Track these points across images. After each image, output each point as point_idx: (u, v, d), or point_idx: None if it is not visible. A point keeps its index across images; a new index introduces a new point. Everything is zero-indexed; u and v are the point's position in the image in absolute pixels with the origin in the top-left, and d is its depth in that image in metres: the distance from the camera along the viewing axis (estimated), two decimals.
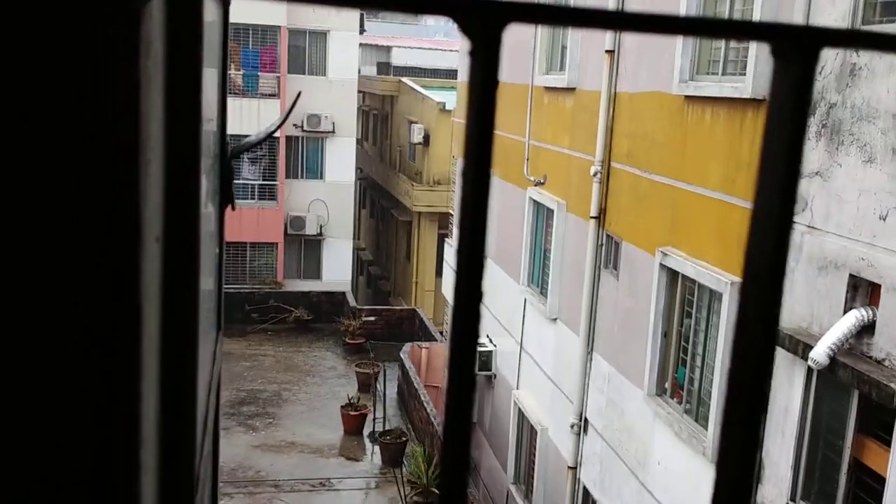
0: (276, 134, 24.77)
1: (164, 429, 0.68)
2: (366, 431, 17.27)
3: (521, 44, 13.21)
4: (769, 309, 0.45)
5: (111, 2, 0.45)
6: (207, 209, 1.17)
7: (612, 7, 9.96)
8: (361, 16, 26.98)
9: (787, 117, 0.43)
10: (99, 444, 0.52)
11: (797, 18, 6.75)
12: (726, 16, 8.03)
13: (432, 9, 0.40)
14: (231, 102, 26.11)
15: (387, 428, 16.75)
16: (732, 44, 8.00)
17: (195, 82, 0.68)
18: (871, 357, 5.95)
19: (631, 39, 9.80)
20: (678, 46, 8.51)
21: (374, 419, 17.05)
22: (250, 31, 24.91)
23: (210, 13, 1.18)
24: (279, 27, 24.90)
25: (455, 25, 0.41)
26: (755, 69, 7.24)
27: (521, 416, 13.04)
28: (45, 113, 0.46)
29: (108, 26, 0.45)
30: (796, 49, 0.43)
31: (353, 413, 17.21)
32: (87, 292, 0.48)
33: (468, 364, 0.43)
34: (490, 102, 0.40)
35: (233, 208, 1.43)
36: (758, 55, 7.22)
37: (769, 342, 0.45)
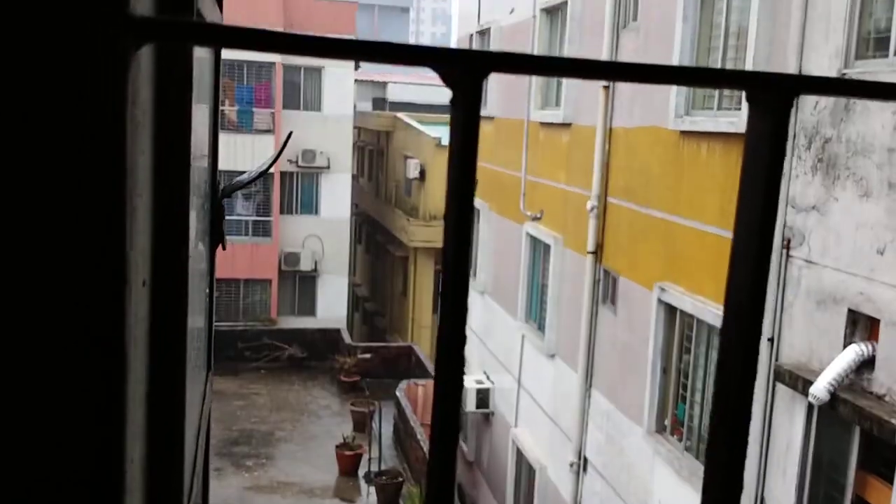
0: (271, 170, 24.83)
1: (150, 471, 0.65)
2: (361, 472, 17.05)
3: (516, 79, 13.31)
4: (750, 345, 0.48)
5: (99, 51, 0.43)
6: (198, 248, 1.13)
7: (607, 51, 10.05)
8: None
9: (764, 163, 0.44)
10: (85, 488, 0.50)
11: (791, 55, 6.79)
12: (720, 53, 8.09)
13: (414, 60, 0.41)
14: (225, 138, 26.35)
15: (382, 468, 16.55)
16: None
17: (184, 128, 0.66)
18: (871, 392, 5.89)
19: None
20: None
21: (369, 459, 16.84)
22: (245, 67, 25.10)
23: (200, 50, 1.15)
24: (274, 63, 25.10)
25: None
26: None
27: (520, 455, 12.89)
28: (34, 159, 0.46)
29: (96, 74, 0.44)
30: (771, 96, 0.44)
31: (347, 453, 17.00)
32: (72, 336, 0.46)
33: (454, 399, 0.45)
34: (471, 149, 0.41)
35: (223, 248, 1.39)
36: None
37: (749, 377, 0.47)
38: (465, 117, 0.41)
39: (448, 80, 0.41)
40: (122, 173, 0.45)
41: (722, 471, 0.46)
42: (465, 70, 0.41)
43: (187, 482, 0.94)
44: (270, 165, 1.89)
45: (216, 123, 1.47)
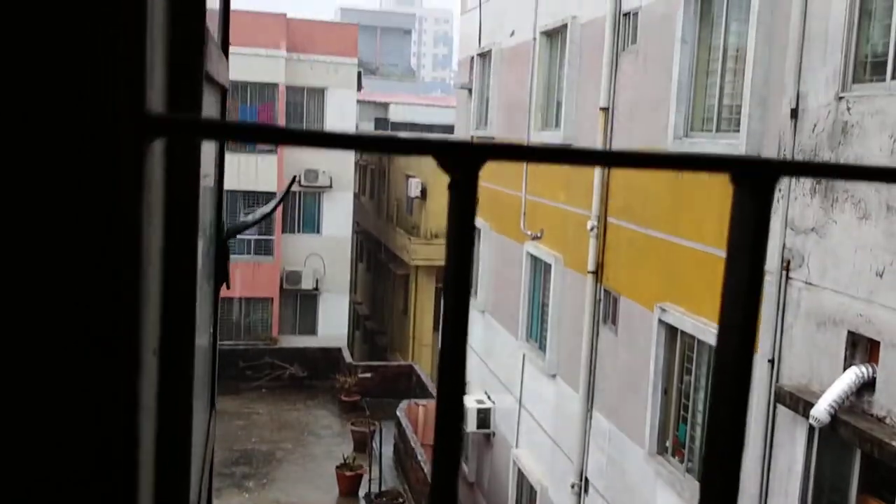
0: (274, 189, 24.90)
1: None
2: (361, 492, 16.97)
3: (517, 100, 13.39)
4: (737, 429, 0.48)
5: (116, 146, 0.46)
6: (203, 290, 1.16)
7: (607, 74, 10.12)
8: (359, 73, 27.38)
9: (749, 241, 0.47)
10: None
11: (788, 78, 6.84)
12: (718, 76, 8.15)
13: (417, 150, 0.44)
14: (229, 158, 26.35)
15: (383, 489, 16.48)
16: (726, 101, 8.11)
17: (192, 202, 0.69)
18: (872, 415, 5.89)
19: (625, 96, 9.94)
20: (672, 103, 8.62)
21: (369, 480, 16.77)
22: (248, 88, 25.23)
23: (208, 104, 1.19)
24: (277, 84, 25.24)
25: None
26: (749, 126, 7.32)
27: (521, 476, 12.85)
28: (58, 246, 0.48)
29: (114, 168, 0.47)
30: (755, 179, 0.46)
31: (348, 473, 16.94)
32: (84, 412, 0.48)
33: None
34: (468, 231, 0.43)
35: (228, 287, 1.41)
36: (751, 112, 7.31)
37: (737, 457, 0.48)
38: (462, 203, 0.44)
39: (447, 168, 0.44)
40: (137, 256, 0.48)
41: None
42: (463, 158, 0.43)
43: None
44: (274, 209, 1.93)
45: (222, 164, 1.51)
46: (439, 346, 0.47)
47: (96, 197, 0.46)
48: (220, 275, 1.40)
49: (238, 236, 25.41)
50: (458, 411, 0.46)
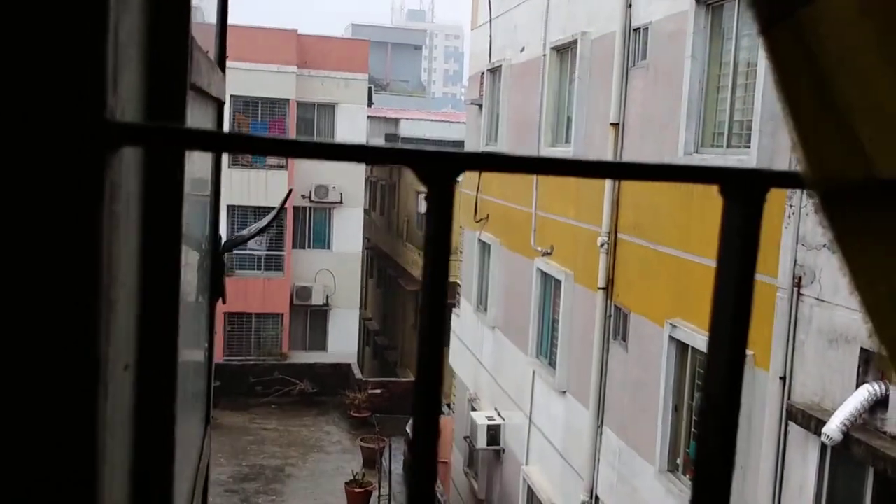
0: (284, 205, 24.95)
1: None
2: None
3: (527, 117, 13.40)
4: (728, 440, 0.48)
5: (74, 155, 0.45)
6: (198, 302, 1.15)
7: (617, 90, 10.12)
8: (369, 89, 27.51)
9: (738, 253, 0.47)
10: None
11: None
12: (729, 91, 8.13)
13: (395, 160, 0.44)
14: (240, 174, 26.38)
15: None
16: (737, 116, 8.09)
17: (175, 211, 0.68)
18: (885, 433, 5.82)
19: (635, 112, 9.93)
20: (682, 118, 8.61)
21: (379, 496, 16.70)
22: (259, 104, 25.38)
23: (203, 117, 1.18)
24: (288, 100, 25.37)
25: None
26: (760, 141, 7.29)
27: (531, 493, 12.76)
28: (11, 256, 0.47)
29: (70, 177, 0.45)
30: (744, 191, 0.46)
31: (357, 490, 16.87)
32: (42, 422, 0.47)
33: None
34: (445, 240, 0.43)
35: (223, 302, 1.40)
36: (762, 128, 7.28)
37: (727, 477, 0.47)
38: (440, 211, 0.43)
39: (423, 178, 0.44)
40: (97, 267, 0.46)
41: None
42: (440, 169, 0.43)
43: None
44: (271, 222, 1.92)
45: (219, 175, 1.50)
46: (416, 357, 0.46)
47: (52, 205, 0.45)
48: (216, 289, 1.39)
49: (248, 252, 25.52)
50: (435, 412, 0.45)
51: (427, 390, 0.45)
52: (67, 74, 0.45)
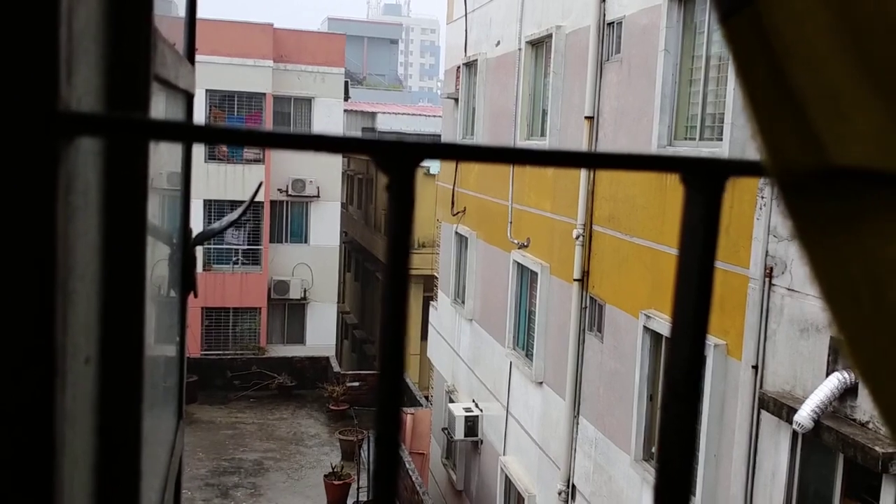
0: (261, 199, 24.87)
1: None
2: (350, 501, 16.91)
3: (503, 110, 13.43)
4: (687, 425, 0.48)
5: (25, 145, 0.45)
6: (169, 297, 1.16)
7: (591, 83, 10.17)
8: (346, 83, 27.40)
9: (699, 240, 0.47)
10: None
11: None
12: (702, 84, 8.21)
13: (354, 150, 0.44)
14: (216, 168, 26.12)
15: (371, 497, 16.41)
16: (709, 109, 8.16)
17: (139, 200, 0.68)
18: (854, 420, 5.93)
19: (610, 106, 9.99)
20: (656, 111, 8.67)
21: (358, 488, 16.72)
22: (235, 98, 25.21)
23: (173, 111, 1.18)
24: (264, 94, 25.22)
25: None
26: (732, 134, 7.37)
27: (509, 483, 12.83)
28: None
29: (21, 167, 0.45)
30: (704, 179, 0.46)
31: (336, 482, 16.87)
32: None
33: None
34: (406, 230, 0.45)
35: (195, 296, 1.41)
36: (734, 121, 7.36)
37: (686, 459, 0.48)
38: (400, 199, 0.45)
39: (383, 167, 0.44)
40: (51, 258, 0.46)
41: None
42: (399, 158, 0.44)
43: None
44: (241, 215, 1.92)
45: (189, 168, 1.51)
46: (377, 348, 0.47)
47: (4, 194, 0.46)
48: (187, 283, 1.40)
49: (226, 246, 25.36)
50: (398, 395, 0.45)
51: (391, 386, 0.45)
52: (17, 65, 0.45)
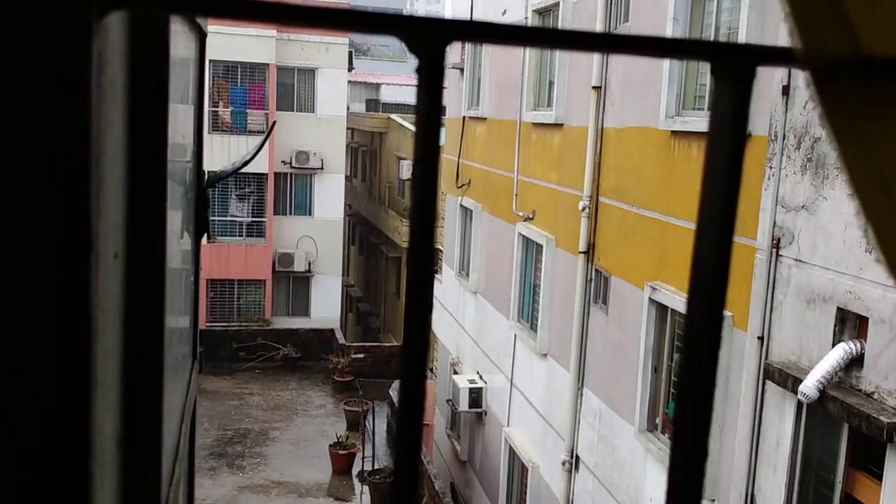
0: (266, 171, 24.82)
1: (125, 447, 0.66)
2: (355, 471, 17.06)
3: (509, 80, 13.34)
4: (715, 317, 0.48)
5: (60, 19, 0.44)
6: (183, 238, 1.15)
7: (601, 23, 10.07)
8: (350, 53, 27.22)
9: (728, 133, 0.45)
10: (49, 456, 0.50)
11: (782, 29, 6.82)
12: (713, 28, 8.12)
13: (380, 29, 0.42)
14: (220, 139, 26.09)
15: (376, 467, 16.56)
16: None
17: (161, 101, 0.67)
18: (860, 390, 5.93)
19: (617, 76, 9.91)
20: (664, 83, 8.60)
21: (363, 458, 16.85)
22: (238, 69, 25.08)
23: (186, 49, 1.17)
24: (268, 65, 25.08)
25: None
26: None
27: (512, 454, 12.92)
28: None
29: (57, 42, 0.45)
30: (734, 67, 0.44)
31: (341, 452, 17.01)
32: (34, 301, 0.47)
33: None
34: (436, 113, 0.42)
35: (209, 239, 1.41)
36: None
37: (714, 350, 0.48)
38: (430, 82, 0.43)
39: (413, 48, 0.42)
40: (86, 139, 0.46)
41: (688, 448, 0.46)
42: (429, 37, 0.42)
43: (169, 465, 0.95)
44: (254, 155, 1.91)
45: (201, 113, 1.49)
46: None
47: (35, 75, 0.45)
48: (201, 224, 1.40)
49: (230, 219, 25.37)
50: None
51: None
52: None
